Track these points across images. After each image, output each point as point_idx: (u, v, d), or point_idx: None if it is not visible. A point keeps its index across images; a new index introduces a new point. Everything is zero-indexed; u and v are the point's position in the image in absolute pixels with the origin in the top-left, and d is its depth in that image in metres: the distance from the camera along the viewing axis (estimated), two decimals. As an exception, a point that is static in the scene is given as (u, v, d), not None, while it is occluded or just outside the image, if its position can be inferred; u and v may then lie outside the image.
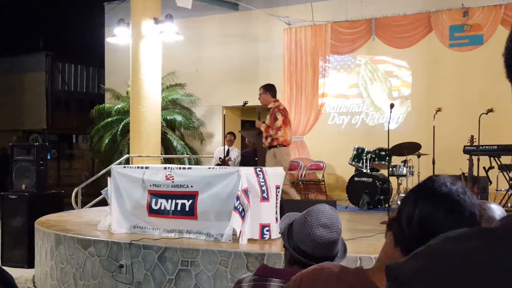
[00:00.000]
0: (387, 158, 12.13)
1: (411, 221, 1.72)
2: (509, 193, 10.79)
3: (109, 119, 18.28)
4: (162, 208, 7.66)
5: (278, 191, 7.69)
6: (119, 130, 17.55)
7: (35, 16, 30.11)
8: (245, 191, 7.01)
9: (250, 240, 7.09)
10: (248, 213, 7.03)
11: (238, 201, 6.96)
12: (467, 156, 10.62)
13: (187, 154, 17.27)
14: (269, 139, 9.22)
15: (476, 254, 0.97)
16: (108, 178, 8.37)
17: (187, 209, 7.45)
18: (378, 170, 12.76)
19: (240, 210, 6.94)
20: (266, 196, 7.36)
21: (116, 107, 18.20)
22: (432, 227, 1.68)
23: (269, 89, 9.59)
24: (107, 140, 17.80)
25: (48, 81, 28.49)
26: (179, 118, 17.62)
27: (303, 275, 1.82)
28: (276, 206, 7.59)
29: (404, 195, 1.72)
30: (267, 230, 7.26)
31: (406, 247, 1.70)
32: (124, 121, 17.15)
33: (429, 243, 1.06)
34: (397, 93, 15.20)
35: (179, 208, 7.52)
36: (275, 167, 8.38)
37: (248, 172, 7.27)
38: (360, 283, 1.70)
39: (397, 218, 1.77)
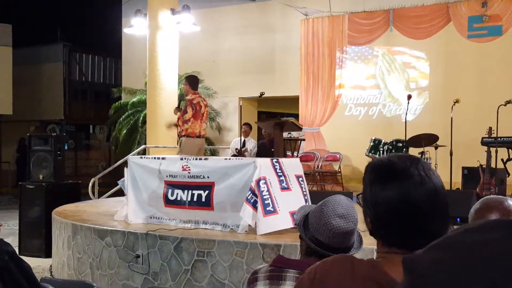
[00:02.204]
0: (404, 149, 12.07)
1: (387, 223, 1.73)
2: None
3: (127, 113, 18.40)
4: (179, 198, 7.67)
5: (301, 180, 7.66)
6: (140, 121, 17.63)
7: (53, 6, 30.19)
8: (258, 182, 6.98)
9: (283, 231, 7.06)
10: (268, 202, 7.00)
11: (251, 192, 6.94)
12: (485, 147, 10.54)
13: (203, 145, 17.29)
14: (179, 129, 9.54)
15: (496, 245, 0.96)
16: (125, 168, 8.39)
17: (203, 199, 7.45)
18: (395, 162, 12.69)
19: (252, 201, 6.92)
20: (286, 186, 7.35)
21: (131, 100, 18.30)
22: (403, 211, 1.70)
23: (190, 82, 9.95)
24: (124, 131, 17.89)
25: (65, 71, 28.60)
26: (195, 109, 17.64)
27: (318, 267, 1.82)
28: (305, 195, 7.56)
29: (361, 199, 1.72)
30: (295, 218, 7.18)
31: (401, 244, 1.71)
32: (143, 112, 17.25)
33: (448, 235, 1.05)
34: (414, 84, 15.12)
35: (195, 199, 7.52)
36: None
37: (264, 163, 7.26)
38: (375, 274, 1.69)
39: (373, 227, 1.78)
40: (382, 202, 1.72)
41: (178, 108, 9.93)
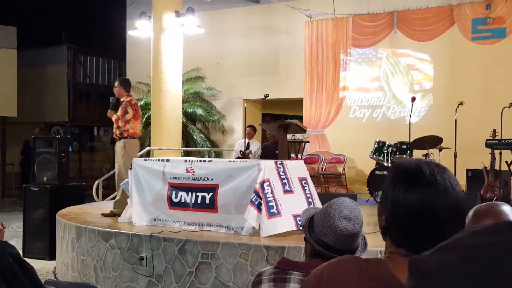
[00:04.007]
0: (408, 151, 12.06)
1: (403, 224, 1.72)
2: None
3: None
4: (183, 200, 7.67)
5: (305, 182, 7.65)
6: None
7: (57, 8, 30.26)
8: (262, 184, 6.98)
9: (287, 233, 7.05)
10: (272, 204, 6.99)
11: (255, 194, 6.93)
12: (489, 150, 10.53)
13: (207, 147, 17.28)
14: (119, 130, 9.51)
15: (503, 247, 0.95)
16: (129, 170, 8.40)
17: (207, 202, 7.45)
18: (399, 164, 12.67)
19: (256, 203, 6.91)
20: (289, 189, 7.33)
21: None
22: (422, 216, 1.70)
23: (123, 84, 10.01)
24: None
25: (70, 73, 28.61)
26: (199, 111, 17.65)
27: (324, 268, 1.81)
28: (309, 198, 7.54)
29: (380, 196, 1.73)
30: (299, 220, 7.17)
31: (410, 247, 1.70)
32: (146, 114, 17.23)
33: (454, 237, 1.05)
34: (418, 86, 15.10)
35: (199, 201, 7.52)
36: (127, 157, 9.24)
37: (268, 165, 7.25)
38: (382, 274, 1.68)
39: (387, 225, 1.77)
40: (403, 204, 1.72)
41: (113, 111, 9.95)
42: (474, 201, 7.81)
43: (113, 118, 9.65)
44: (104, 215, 9.07)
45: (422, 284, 1.02)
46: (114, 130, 9.71)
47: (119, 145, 9.60)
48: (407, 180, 1.74)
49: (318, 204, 7.38)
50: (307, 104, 16.33)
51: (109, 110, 9.84)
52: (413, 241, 1.70)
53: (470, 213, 2.58)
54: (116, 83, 9.98)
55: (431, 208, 1.69)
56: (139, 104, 10.09)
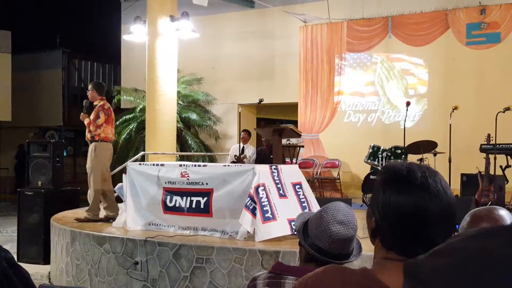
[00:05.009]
0: (403, 156, 12.07)
1: (394, 227, 1.71)
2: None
3: (126, 116, 18.26)
4: (177, 205, 7.66)
5: (299, 187, 7.64)
6: (135, 127, 17.58)
7: (52, 13, 30.23)
8: (257, 188, 6.98)
9: (282, 237, 7.05)
10: (267, 209, 6.99)
11: (250, 199, 6.93)
12: (484, 154, 10.55)
13: (202, 152, 17.26)
14: (90, 134, 9.53)
15: (499, 251, 0.95)
16: (123, 175, 8.39)
17: (202, 206, 7.44)
18: (394, 169, 12.68)
19: (251, 208, 6.91)
20: (283, 193, 7.34)
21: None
22: (413, 218, 1.69)
23: (97, 88, 9.97)
24: (123, 137, 17.80)
25: (64, 78, 28.57)
26: (193, 116, 17.61)
27: (309, 279, 1.81)
28: (303, 202, 7.53)
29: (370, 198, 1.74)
30: (294, 225, 7.16)
31: (400, 249, 1.70)
32: (140, 118, 17.20)
33: (449, 241, 1.05)
34: (413, 91, 15.13)
35: (194, 206, 7.51)
36: (93, 161, 9.36)
37: (263, 169, 7.25)
38: (368, 282, 1.68)
39: (377, 226, 1.77)
40: (394, 205, 1.71)
41: (86, 114, 9.96)
42: (469, 206, 7.82)
43: (86, 122, 9.65)
44: (100, 219, 9.07)
45: (417, 288, 1.02)
46: (86, 134, 9.71)
47: (90, 148, 9.63)
48: (399, 182, 1.73)
49: (315, 208, 7.37)
50: (302, 108, 16.34)
51: (82, 113, 9.83)
52: (404, 243, 1.69)
53: (468, 217, 2.57)
54: (90, 87, 9.97)
55: (422, 209, 1.68)
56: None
